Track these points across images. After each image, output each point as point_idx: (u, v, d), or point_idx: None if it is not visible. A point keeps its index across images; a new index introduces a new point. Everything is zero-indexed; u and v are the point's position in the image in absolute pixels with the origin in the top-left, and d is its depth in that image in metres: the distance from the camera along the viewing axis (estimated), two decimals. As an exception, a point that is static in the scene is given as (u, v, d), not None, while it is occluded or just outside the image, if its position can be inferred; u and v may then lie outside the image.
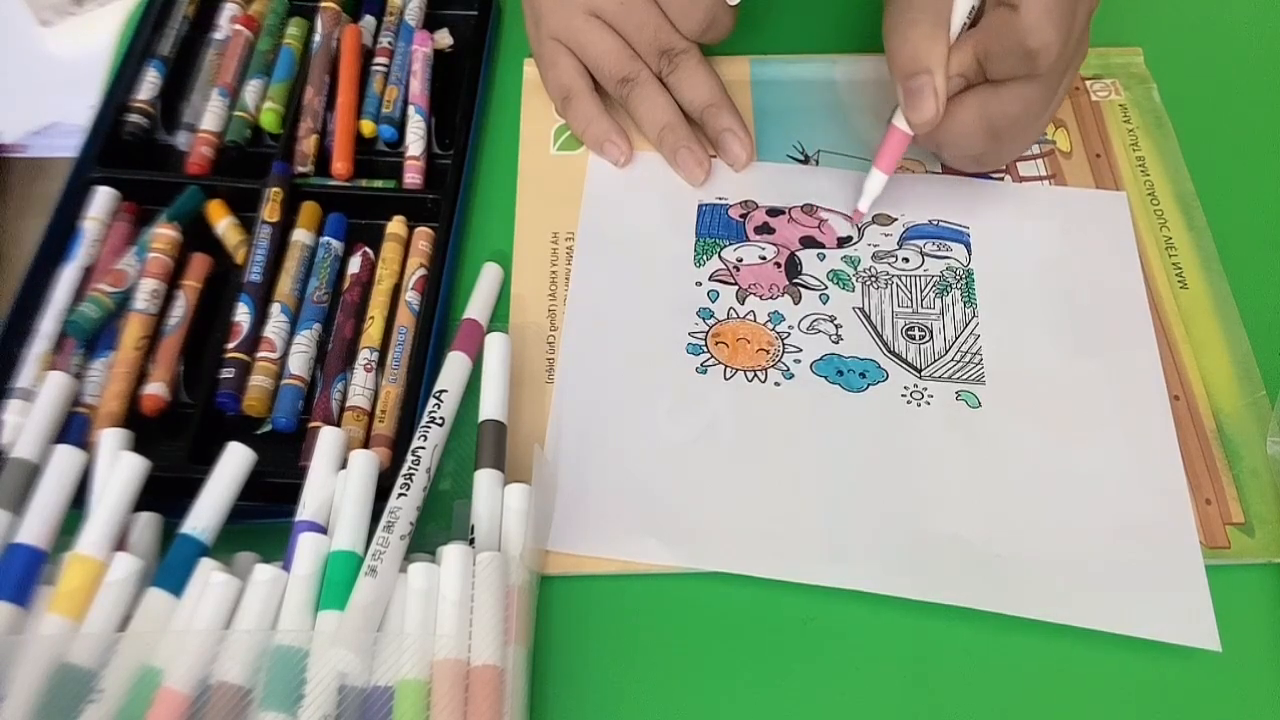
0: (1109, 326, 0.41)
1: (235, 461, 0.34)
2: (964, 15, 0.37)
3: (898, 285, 0.43)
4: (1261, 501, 0.38)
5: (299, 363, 0.39)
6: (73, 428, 0.37)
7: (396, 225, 0.43)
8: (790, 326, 0.41)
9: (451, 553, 0.32)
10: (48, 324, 0.39)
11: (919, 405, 0.39)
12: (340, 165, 0.44)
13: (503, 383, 0.38)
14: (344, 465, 0.35)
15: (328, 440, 0.35)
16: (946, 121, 0.38)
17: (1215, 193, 0.45)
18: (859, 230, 0.44)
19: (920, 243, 0.44)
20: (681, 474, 0.38)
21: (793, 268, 0.43)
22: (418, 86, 0.46)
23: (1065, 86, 0.40)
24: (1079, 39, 0.38)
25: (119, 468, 0.33)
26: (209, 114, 0.45)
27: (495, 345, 0.39)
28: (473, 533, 0.34)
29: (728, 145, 0.45)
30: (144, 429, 0.36)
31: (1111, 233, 0.44)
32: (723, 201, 0.45)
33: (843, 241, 0.44)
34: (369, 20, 0.49)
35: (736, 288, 0.43)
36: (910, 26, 0.37)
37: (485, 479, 0.35)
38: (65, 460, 0.33)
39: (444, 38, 0.48)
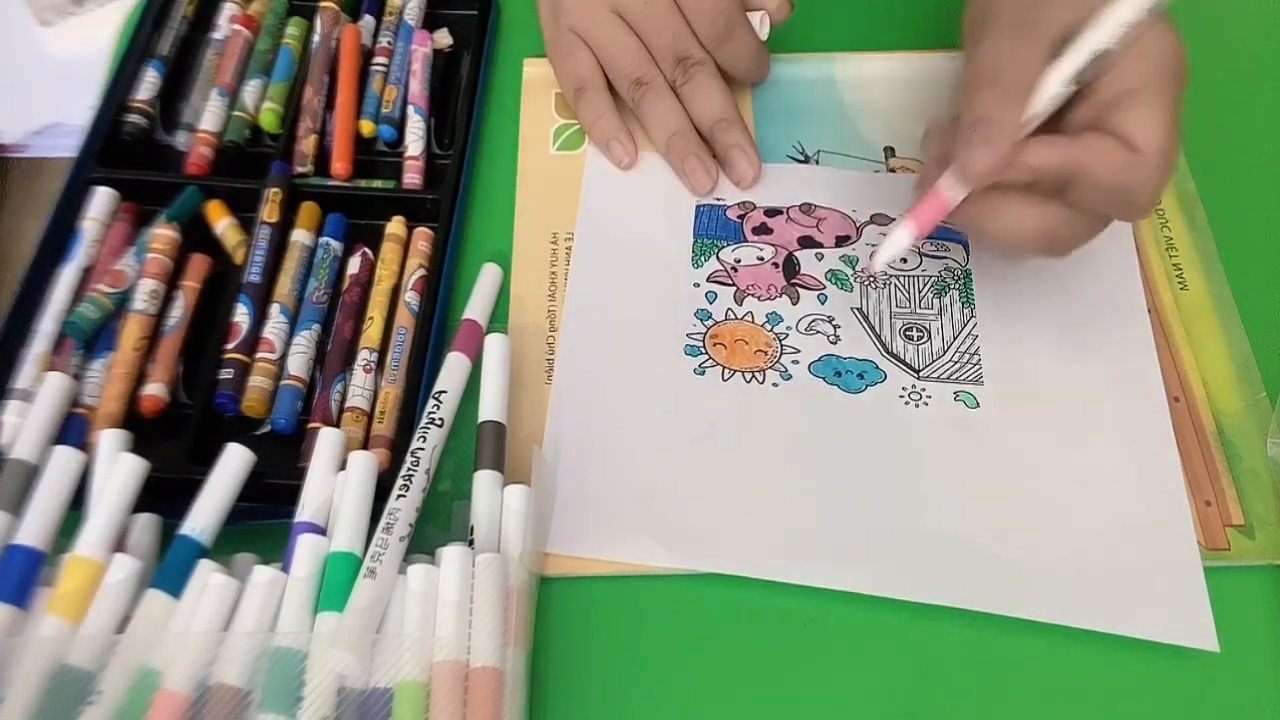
0: (1108, 327, 0.41)
1: (234, 462, 0.34)
2: (1066, 78, 0.34)
3: (896, 285, 0.43)
4: (1261, 503, 0.38)
5: (298, 363, 0.39)
6: (72, 429, 0.37)
7: (396, 225, 0.43)
8: (789, 327, 0.41)
9: (451, 554, 0.32)
10: (47, 324, 0.39)
11: (917, 406, 0.39)
12: (339, 165, 0.44)
13: (502, 384, 0.38)
14: (343, 466, 0.35)
15: (327, 441, 0.35)
16: (1002, 213, 0.34)
17: (1216, 193, 0.45)
18: (858, 229, 0.44)
19: (918, 242, 0.44)
20: (680, 476, 0.38)
21: (790, 268, 0.43)
22: (417, 86, 0.46)
23: None
24: None
25: (118, 469, 0.33)
26: (208, 114, 0.45)
27: (495, 346, 0.39)
28: (472, 534, 0.34)
29: (735, 162, 0.44)
30: (143, 430, 0.36)
31: (1110, 232, 0.44)
32: (720, 202, 0.45)
33: (841, 241, 0.44)
34: (368, 20, 0.49)
35: (734, 289, 0.42)
36: (1006, 55, 0.34)
37: (484, 480, 0.35)
38: (64, 461, 0.33)
39: (444, 37, 0.48)
